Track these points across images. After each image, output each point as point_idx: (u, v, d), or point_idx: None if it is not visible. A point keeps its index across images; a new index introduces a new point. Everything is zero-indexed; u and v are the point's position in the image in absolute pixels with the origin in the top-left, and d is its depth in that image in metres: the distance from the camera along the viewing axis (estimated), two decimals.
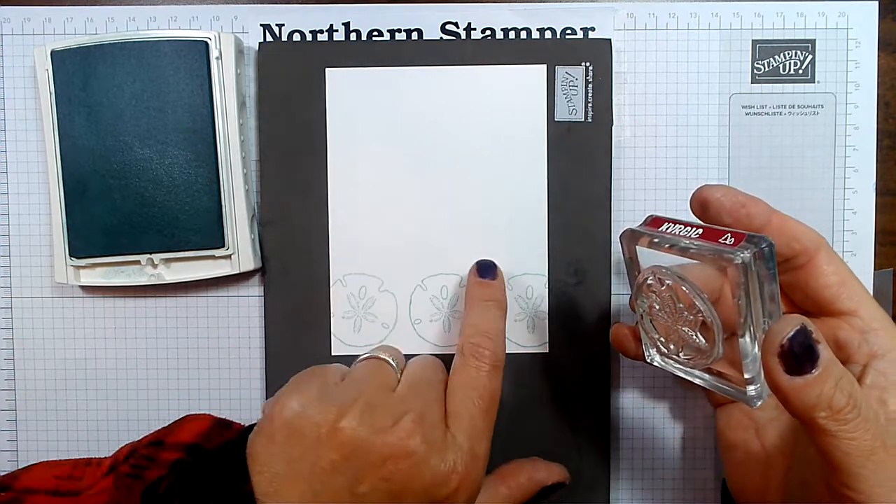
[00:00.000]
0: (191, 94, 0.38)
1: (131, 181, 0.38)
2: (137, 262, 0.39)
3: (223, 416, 0.37)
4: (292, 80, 0.39)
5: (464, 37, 0.40)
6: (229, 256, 0.38)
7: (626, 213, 0.40)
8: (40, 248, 0.40)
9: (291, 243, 0.39)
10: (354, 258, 0.39)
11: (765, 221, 0.30)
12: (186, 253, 0.38)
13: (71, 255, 0.38)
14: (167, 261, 0.39)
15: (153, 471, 0.32)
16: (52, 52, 0.38)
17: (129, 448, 0.35)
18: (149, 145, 0.38)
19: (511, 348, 0.39)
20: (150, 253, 0.38)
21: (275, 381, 0.39)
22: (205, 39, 0.37)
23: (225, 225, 0.38)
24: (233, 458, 0.32)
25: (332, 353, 0.39)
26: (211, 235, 0.38)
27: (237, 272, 0.38)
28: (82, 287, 0.40)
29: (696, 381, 0.31)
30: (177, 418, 0.36)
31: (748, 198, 0.30)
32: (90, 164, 0.38)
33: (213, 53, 0.37)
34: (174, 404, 0.41)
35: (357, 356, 0.39)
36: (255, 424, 0.33)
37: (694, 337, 0.30)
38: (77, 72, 0.38)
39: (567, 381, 0.39)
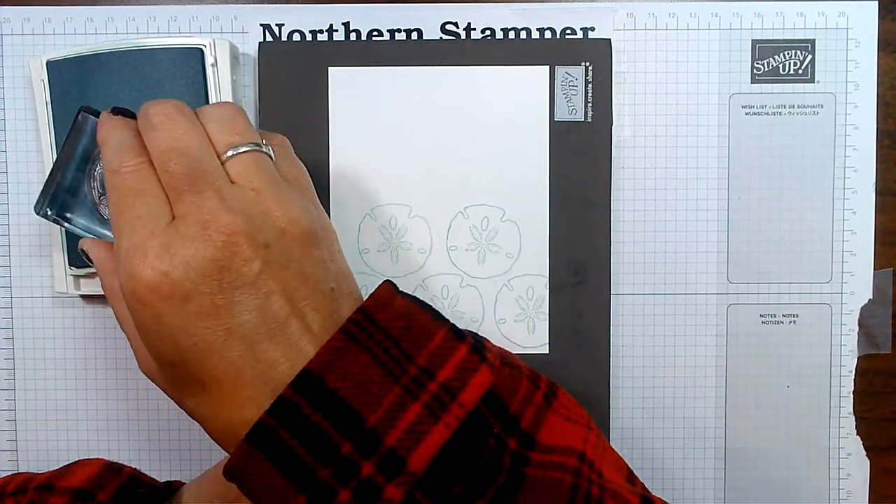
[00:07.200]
0: (187, 101, 0.37)
1: None
2: None
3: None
4: (293, 79, 0.39)
5: (464, 37, 0.40)
6: None
7: (626, 212, 0.40)
8: (40, 255, 0.40)
9: None
10: (355, 257, 0.39)
11: None
12: None
13: (70, 265, 0.38)
14: None
15: None
16: (48, 63, 0.37)
17: (22, 480, 0.35)
18: None
19: (511, 348, 0.39)
20: None
21: None
22: (199, 47, 0.37)
23: None
24: None
25: None
26: None
27: None
28: (82, 296, 0.40)
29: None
30: (71, 462, 0.37)
31: None
32: None
33: (209, 60, 0.37)
34: (174, 410, 0.40)
35: None
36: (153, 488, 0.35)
37: None
38: (73, 81, 0.37)
39: (567, 382, 0.39)
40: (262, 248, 0.27)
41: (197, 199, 0.27)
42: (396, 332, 0.27)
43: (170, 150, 0.28)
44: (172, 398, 0.29)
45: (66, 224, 0.34)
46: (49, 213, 0.33)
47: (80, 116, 0.33)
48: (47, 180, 0.33)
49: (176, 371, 0.27)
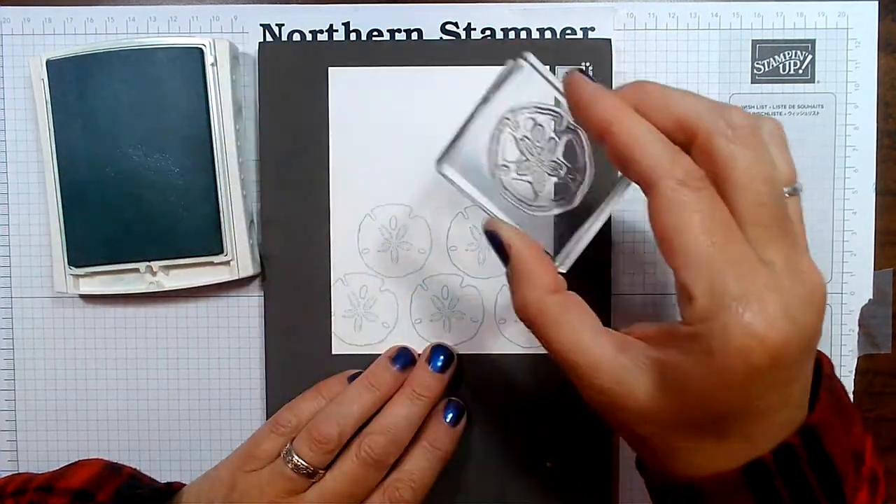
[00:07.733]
0: (187, 100, 0.37)
1: (129, 189, 0.38)
2: (136, 270, 0.39)
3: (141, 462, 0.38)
4: (293, 79, 0.39)
5: (464, 37, 0.40)
6: (228, 262, 0.38)
7: (627, 213, 0.40)
8: (40, 255, 0.40)
9: (293, 242, 0.39)
10: (355, 257, 0.39)
11: (605, 132, 0.27)
12: (185, 260, 0.38)
13: (70, 265, 0.38)
14: (166, 268, 0.39)
15: None
16: (48, 62, 0.38)
17: (21, 480, 0.35)
18: (145, 153, 0.38)
19: (511, 349, 0.39)
20: (149, 260, 0.38)
21: (275, 382, 0.39)
22: (199, 46, 0.37)
23: (223, 231, 0.38)
24: None
25: (333, 353, 0.39)
26: (209, 242, 0.38)
27: (236, 278, 0.38)
28: (82, 295, 0.40)
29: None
30: (69, 462, 0.38)
31: (587, 100, 0.28)
32: (87, 172, 0.38)
33: (209, 60, 0.37)
34: (174, 411, 0.41)
35: (357, 355, 0.39)
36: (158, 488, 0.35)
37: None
38: (73, 81, 0.37)
39: (567, 382, 0.39)
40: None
41: (792, 251, 0.25)
42: (848, 402, 0.28)
43: (769, 181, 0.25)
44: (654, 433, 0.27)
45: (456, 185, 0.31)
46: (443, 168, 0.31)
47: (515, 62, 0.29)
48: (457, 133, 0.31)
49: (712, 426, 0.25)
